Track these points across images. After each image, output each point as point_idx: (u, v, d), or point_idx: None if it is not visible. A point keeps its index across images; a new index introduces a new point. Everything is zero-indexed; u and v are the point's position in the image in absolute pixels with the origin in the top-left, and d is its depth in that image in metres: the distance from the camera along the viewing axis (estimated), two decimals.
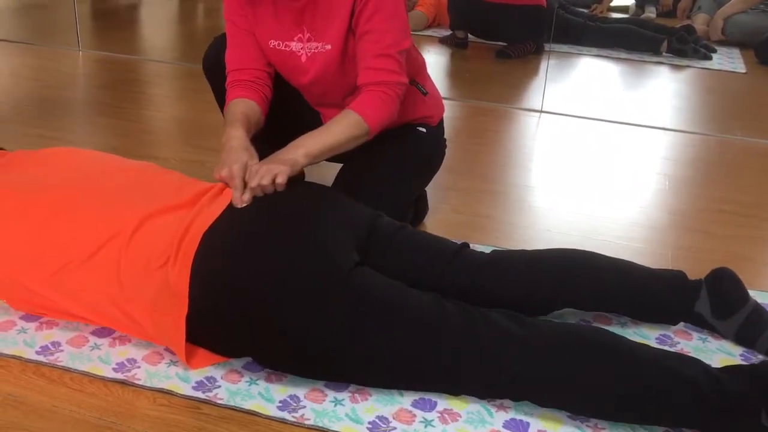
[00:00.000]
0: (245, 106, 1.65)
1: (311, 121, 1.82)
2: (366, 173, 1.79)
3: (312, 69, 1.70)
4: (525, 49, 3.95)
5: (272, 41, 1.70)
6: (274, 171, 1.41)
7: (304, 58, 1.69)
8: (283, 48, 1.69)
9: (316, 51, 1.68)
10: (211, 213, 1.36)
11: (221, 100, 1.78)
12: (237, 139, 1.53)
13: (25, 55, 3.61)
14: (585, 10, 4.23)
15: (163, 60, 3.69)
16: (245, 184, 1.41)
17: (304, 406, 1.29)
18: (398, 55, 1.64)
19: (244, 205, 1.38)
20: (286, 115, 1.80)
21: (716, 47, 3.96)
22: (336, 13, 1.63)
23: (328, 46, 1.66)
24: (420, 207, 2.03)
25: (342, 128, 1.59)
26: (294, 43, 1.68)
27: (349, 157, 1.71)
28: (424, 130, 1.89)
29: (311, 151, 1.53)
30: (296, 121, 1.78)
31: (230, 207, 1.38)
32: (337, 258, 1.31)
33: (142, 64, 3.58)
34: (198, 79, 3.33)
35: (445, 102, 1.97)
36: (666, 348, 1.50)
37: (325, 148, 1.56)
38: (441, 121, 1.96)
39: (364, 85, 1.64)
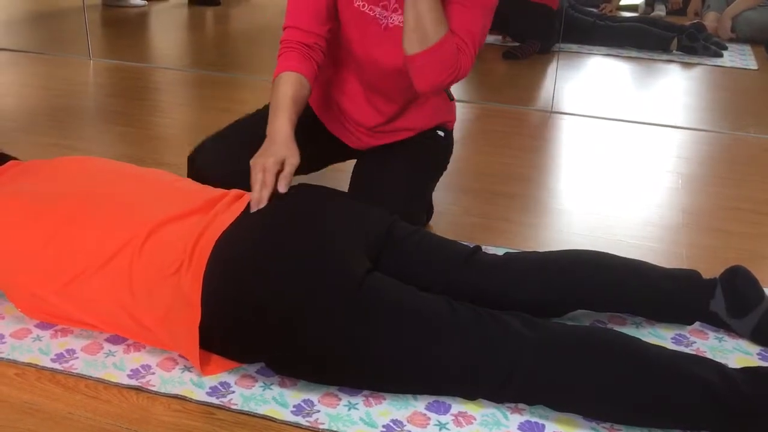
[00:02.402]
0: (297, 86, 1.57)
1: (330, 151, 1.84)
2: (385, 176, 1.78)
3: (388, 42, 1.65)
4: (530, 50, 3.94)
5: (358, 1, 1.64)
6: None
7: (383, 28, 1.64)
8: (367, 11, 1.63)
9: (399, 25, 1.62)
10: (225, 219, 1.37)
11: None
12: (282, 134, 1.49)
13: (36, 64, 3.63)
14: (594, 9, 4.22)
15: (174, 67, 3.70)
16: (268, 183, 1.39)
17: (318, 411, 1.28)
18: (476, 47, 1.60)
19: (262, 206, 1.38)
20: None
21: (727, 44, 3.94)
22: None
23: None
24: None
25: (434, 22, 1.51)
26: (378, 9, 1.63)
27: (366, 159, 1.70)
28: (442, 134, 1.90)
29: None
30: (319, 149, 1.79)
31: (244, 214, 1.38)
32: (350, 264, 1.31)
33: (153, 72, 3.60)
34: (208, 86, 3.35)
35: (455, 104, 1.98)
36: (682, 348, 1.49)
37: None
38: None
39: None
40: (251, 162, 1.44)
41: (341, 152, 1.90)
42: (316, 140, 1.83)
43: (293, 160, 1.44)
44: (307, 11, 1.63)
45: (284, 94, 1.56)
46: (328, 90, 1.82)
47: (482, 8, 1.60)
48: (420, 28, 1.52)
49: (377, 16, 1.63)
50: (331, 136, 1.87)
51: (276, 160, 1.42)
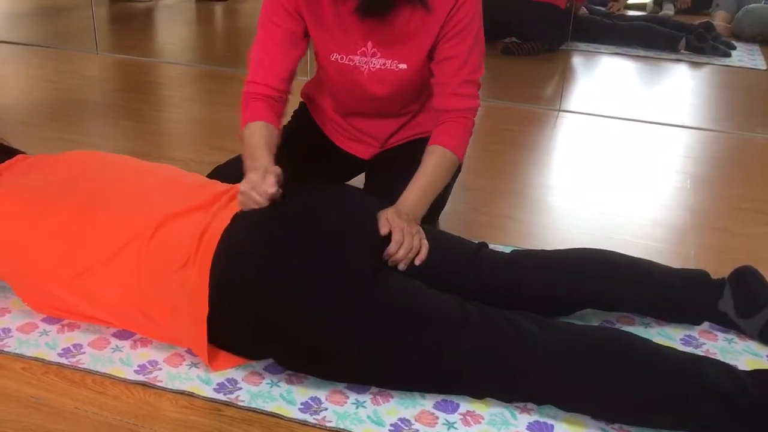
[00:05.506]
0: (266, 132, 1.56)
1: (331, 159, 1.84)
2: (408, 181, 1.75)
3: (378, 86, 1.65)
4: (529, 48, 3.91)
5: (334, 54, 1.63)
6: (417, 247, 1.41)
7: (366, 74, 1.63)
8: (346, 62, 1.63)
9: (382, 68, 1.62)
10: (229, 214, 1.36)
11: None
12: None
13: (43, 58, 3.64)
14: (602, 8, 4.21)
15: (180, 62, 3.70)
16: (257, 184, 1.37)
17: (326, 408, 1.28)
18: (479, 81, 1.63)
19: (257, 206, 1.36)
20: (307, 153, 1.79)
21: (736, 44, 3.93)
22: (416, 35, 1.58)
23: (403, 66, 1.61)
24: None
25: (437, 169, 1.58)
26: (357, 57, 1.62)
27: (382, 166, 1.68)
28: None
29: (423, 208, 1.54)
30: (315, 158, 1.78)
31: None
32: (358, 260, 1.30)
33: (160, 67, 3.60)
34: (215, 81, 3.35)
35: None
36: (691, 349, 1.48)
37: (431, 196, 1.57)
38: None
39: (447, 111, 1.62)
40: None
41: (353, 166, 1.88)
42: (325, 156, 1.83)
43: (272, 169, 1.40)
44: (270, 70, 1.62)
45: (257, 143, 1.53)
46: (333, 115, 1.81)
47: (475, 45, 1.60)
48: (446, 182, 1.61)
49: (357, 64, 1.63)
50: (341, 153, 1.84)
51: (257, 172, 1.38)
